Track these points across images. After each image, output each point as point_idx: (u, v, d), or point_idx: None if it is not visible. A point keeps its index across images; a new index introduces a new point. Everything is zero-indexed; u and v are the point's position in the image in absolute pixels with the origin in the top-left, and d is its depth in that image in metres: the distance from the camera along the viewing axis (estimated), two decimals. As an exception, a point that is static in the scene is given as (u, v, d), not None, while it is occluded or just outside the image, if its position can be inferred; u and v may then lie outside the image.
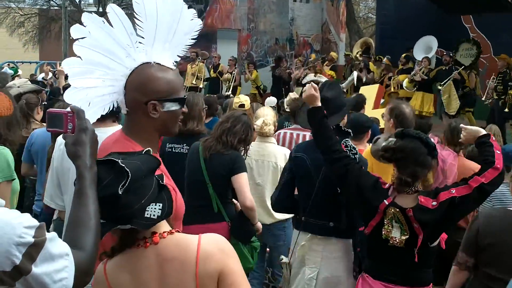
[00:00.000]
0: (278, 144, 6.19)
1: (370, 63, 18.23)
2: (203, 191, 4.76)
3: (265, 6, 22.31)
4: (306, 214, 4.25)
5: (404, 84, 16.11)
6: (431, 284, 3.67)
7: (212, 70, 19.00)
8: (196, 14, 2.60)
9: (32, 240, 1.64)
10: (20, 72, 17.97)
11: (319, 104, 3.91)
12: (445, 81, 15.40)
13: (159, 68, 2.44)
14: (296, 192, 4.47)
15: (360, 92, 11.87)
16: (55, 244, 1.71)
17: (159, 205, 2.04)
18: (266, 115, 5.78)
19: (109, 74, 2.40)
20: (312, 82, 3.98)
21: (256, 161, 5.58)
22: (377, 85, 14.76)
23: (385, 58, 17.88)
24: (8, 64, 22.31)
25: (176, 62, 2.53)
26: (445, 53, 16.95)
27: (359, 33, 28.42)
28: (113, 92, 2.41)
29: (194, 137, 4.99)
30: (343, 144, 4.05)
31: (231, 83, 18.42)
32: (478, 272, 3.77)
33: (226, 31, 21.41)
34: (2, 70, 14.81)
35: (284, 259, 4.44)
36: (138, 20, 2.43)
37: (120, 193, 1.95)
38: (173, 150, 5.20)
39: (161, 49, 2.45)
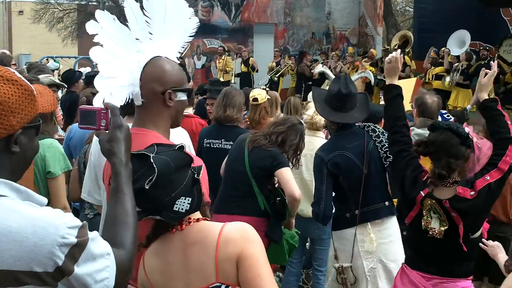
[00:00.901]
0: None
1: (406, 57, 18.00)
2: (241, 182, 4.73)
3: (302, 0, 22.23)
4: (360, 206, 4.31)
5: (445, 84, 15.86)
6: (471, 277, 3.61)
7: (242, 65, 18.94)
8: (194, 13, 2.74)
9: (75, 240, 1.64)
10: (61, 66, 18.21)
11: (396, 80, 3.91)
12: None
13: (168, 61, 2.60)
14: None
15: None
16: (97, 243, 1.71)
17: (188, 200, 2.12)
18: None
19: (125, 66, 2.53)
20: (397, 54, 3.93)
21: (304, 156, 5.53)
22: (414, 79, 14.61)
23: (432, 51, 17.62)
24: (47, 60, 22.61)
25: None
26: (482, 48, 16.70)
27: (396, 27, 28.14)
28: (130, 84, 2.52)
29: (232, 131, 4.98)
30: (366, 125, 4.30)
31: (282, 70, 18.41)
32: None
33: (262, 26, 21.40)
34: (48, 64, 15.02)
35: (345, 264, 4.39)
36: (146, 16, 2.60)
37: (146, 187, 2.03)
38: (212, 146, 5.21)
39: (167, 44, 2.61)
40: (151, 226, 2.20)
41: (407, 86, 11.55)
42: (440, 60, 16.85)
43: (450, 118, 7.07)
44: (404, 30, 23.32)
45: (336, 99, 4.39)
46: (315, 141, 5.53)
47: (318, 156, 4.48)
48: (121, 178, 1.96)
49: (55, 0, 41.54)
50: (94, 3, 41.00)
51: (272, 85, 17.52)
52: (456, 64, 16.05)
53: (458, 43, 17.10)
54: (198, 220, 2.20)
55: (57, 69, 17.02)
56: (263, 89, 6.86)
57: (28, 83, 1.77)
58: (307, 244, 5.86)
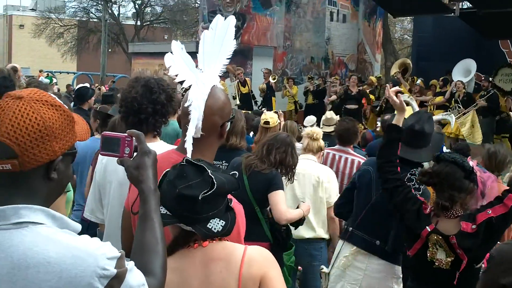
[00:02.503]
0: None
1: (403, 86, 18.10)
2: (244, 208, 4.74)
3: (302, 24, 22.37)
4: (355, 225, 4.31)
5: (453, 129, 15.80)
6: None
7: (241, 86, 18.94)
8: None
9: (115, 272, 1.61)
10: (55, 80, 18.23)
11: (404, 115, 3.94)
12: (466, 110, 15.22)
13: (221, 91, 2.57)
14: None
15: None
16: (134, 275, 1.68)
17: (222, 222, 2.16)
18: (318, 133, 5.80)
19: (193, 99, 2.46)
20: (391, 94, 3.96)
21: (297, 175, 5.60)
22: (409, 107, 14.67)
23: (419, 80, 17.77)
24: (47, 74, 22.67)
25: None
26: (483, 78, 16.82)
27: (394, 54, 28.36)
28: (197, 118, 2.43)
29: (234, 153, 5.01)
30: (414, 172, 4.10)
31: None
32: None
33: (262, 48, 21.49)
34: (39, 80, 15.00)
35: (324, 269, 4.51)
36: (204, 43, 2.52)
37: (200, 198, 2.06)
38: (213, 166, 5.22)
39: (215, 71, 2.55)
40: (171, 239, 2.20)
41: (406, 115, 11.61)
42: (440, 89, 16.93)
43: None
44: (403, 58, 23.50)
45: (407, 134, 4.18)
46: (306, 163, 5.58)
47: (363, 162, 4.66)
48: (151, 205, 1.94)
49: (56, 15, 41.74)
50: (95, 20, 41.23)
51: (265, 106, 17.51)
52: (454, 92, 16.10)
53: (464, 72, 17.21)
54: (220, 239, 2.22)
55: (52, 84, 17.00)
56: (275, 112, 6.90)
57: (68, 109, 1.76)
58: (299, 268, 5.87)
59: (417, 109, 5.02)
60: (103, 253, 1.61)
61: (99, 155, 3.54)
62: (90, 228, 4.20)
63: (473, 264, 3.41)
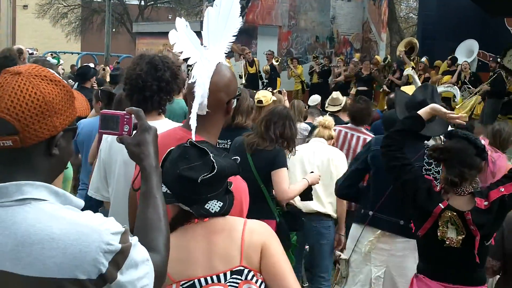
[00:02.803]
0: None
1: (412, 63, 18.02)
2: (250, 186, 4.73)
3: (307, 3, 22.28)
4: (376, 209, 4.27)
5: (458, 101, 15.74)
6: (486, 284, 3.61)
7: (248, 66, 18.97)
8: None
9: (119, 246, 1.61)
10: (62, 62, 18.20)
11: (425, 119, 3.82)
12: (476, 90, 15.16)
13: (227, 68, 2.56)
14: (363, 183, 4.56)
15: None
16: (138, 250, 1.68)
17: (220, 203, 2.20)
18: (326, 120, 5.83)
19: (198, 76, 2.45)
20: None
21: (308, 152, 5.62)
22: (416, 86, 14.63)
23: (424, 58, 17.68)
24: (51, 54, 22.63)
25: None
26: (491, 59, 16.69)
27: (399, 33, 28.23)
28: (201, 95, 2.43)
29: (239, 132, 5.01)
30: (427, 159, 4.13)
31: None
32: (506, 277, 3.80)
33: (266, 28, 21.43)
34: (46, 59, 15.00)
35: (342, 256, 4.45)
36: (208, 20, 2.51)
37: (199, 181, 2.09)
38: (217, 145, 5.23)
39: (221, 48, 2.54)
40: (172, 216, 2.22)
41: (410, 92, 11.59)
42: (448, 68, 16.85)
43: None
44: (409, 37, 23.35)
45: (419, 108, 4.08)
46: (317, 144, 5.65)
47: (368, 142, 4.56)
48: (153, 182, 1.93)
49: (60, -5, 41.56)
50: (99, 0, 41.07)
51: (271, 86, 17.53)
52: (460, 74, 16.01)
53: (466, 52, 17.13)
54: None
55: (58, 65, 16.98)
56: (278, 91, 6.88)
57: (68, 84, 1.73)
58: (306, 247, 5.88)
59: (419, 83, 4.96)
60: (107, 228, 1.61)
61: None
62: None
63: (483, 242, 3.39)
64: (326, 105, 8.16)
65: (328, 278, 5.55)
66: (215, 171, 2.11)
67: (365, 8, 23.57)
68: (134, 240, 1.68)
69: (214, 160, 2.12)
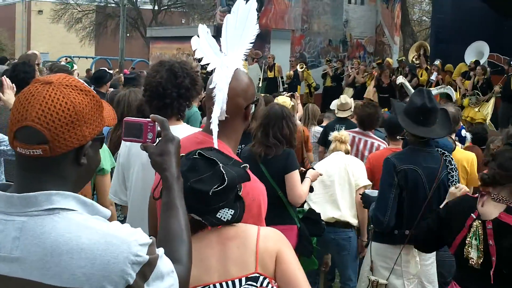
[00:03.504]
0: None
1: (422, 70, 18.00)
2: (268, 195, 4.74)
3: (320, 7, 22.28)
4: (414, 228, 4.13)
5: (465, 103, 15.67)
6: None
7: (268, 70, 19.09)
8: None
9: (147, 258, 1.61)
10: (75, 67, 18.30)
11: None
12: (483, 99, 15.11)
13: (244, 73, 2.59)
14: None
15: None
16: (164, 261, 1.68)
17: (231, 211, 2.21)
18: (342, 135, 5.84)
19: (217, 81, 2.48)
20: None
21: (325, 161, 5.67)
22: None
23: (437, 61, 17.60)
24: (66, 59, 22.76)
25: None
26: (506, 61, 16.56)
27: (413, 36, 28.16)
28: (221, 100, 2.45)
29: (249, 136, 4.98)
30: (443, 153, 4.25)
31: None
32: None
33: (279, 31, 21.46)
34: (62, 64, 15.09)
35: (381, 281, 4.33)
36: (226, 27, 2.55)
37: (210, 193, 2.10)
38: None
39: (239, 54, 2.57)
40: None
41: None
42: (470, 71, 16.74)
43: (466, 136, 7.13)
44: (420, 41, 23.28)
45: (420, 113, 4.22)
46: (335, 154, 5.69)
47: (390, 162, 4.31)
48: (174, 193, 1.94)
49: (74, 0, 41.84)
50: (113, 5, 41.29)
51: (291, 91, 17.60)
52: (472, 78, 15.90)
53: (476, 54, 17.03)
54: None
55: (72, 70, 17.08)
56: (291, 94, 6.89)
57: (97, 94, 1.74)
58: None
59: (412, 90, 5.02)
60: (135, 239, 1.61)
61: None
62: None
63: (501, 268, 3.23)
64: (336, 110, 8.14)
65: (354, 282, 5.51)
66: (225, 183, 2.12)
67: (378, 11, 23.54)
68: (160, 251, 1.69)
69: (224, 172, 2.13)
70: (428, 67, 17.88)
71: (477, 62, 16.61)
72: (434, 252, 4.32)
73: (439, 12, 21.75)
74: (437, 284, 4.42)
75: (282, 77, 18.98)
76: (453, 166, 4.30)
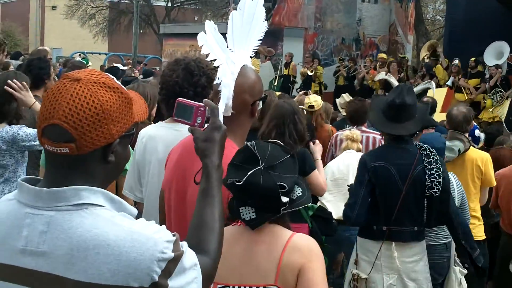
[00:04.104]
0: (334, 146, 6.52)
1: (439, 65, 17.87)
2: None
3: (333, 5, 22.24)
4: (391, 223, 4.23)
5: (487, 105, 15.56)
6: None
7: (284, 68, 19.10)
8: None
9: (172, 255, 1.61)
10: (90, 63, 18.37)
11: None
12: (507, 94, 15.02)
13: (251, 70, 2.58)
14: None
15: (428, 94, 11.80)
16: (188, 256, 1.68)
17: (253, 214, 2.22)
18: (354, 133, 5.88)
19: (223, 77, 2.48)
20: None
21: (339, 159, 5.70)
22: (445, 88, 14.56)
23: (457, 60, 17.48)
24: (80, 55, 22.84)
25: None
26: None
27: (426, 35, 28.03)
28: (227, 96, 2.44)
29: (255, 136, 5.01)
30: (423, 147, 4.21)
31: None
32: None
33: (292, 29, 21.43)
34: (76, 59, 15.15)
35: (362, 275, 4.37)
36: (232, 24, 2.54)
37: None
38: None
39: (247, 51, 2.57)
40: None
41: (438, 96, 11.59)
42: (469, 70, 16.67)
43: (479, 136, 7.11)
44: (431, 40, 23.15)
45: (391, 109, 4.27)
46: (348, 153, 5.75)
47: (362, 160, 4.43)
48: (213, 181, 1.93)
49: (88, -4, 41.94)
50: (126, 1, 41.39)
51: (305, 89, 17.62)
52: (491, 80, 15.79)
53: (496, 54, 16.89)
54: (270, 222, 2.27)
55: (87, 66, 17.15)
56: (304, 93, 6.90)
57: (127, 90, 1.72)
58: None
59: (396, 83, 5.06)
60: (161, 236, 1.61)
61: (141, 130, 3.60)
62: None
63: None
64: (340, 109, 8.15)
65: None
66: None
67: (392, 10, 23.47)
68: (184, 247, 1.68)
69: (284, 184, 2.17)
70: (447, 64, 17.70)
71: (476, 60, 16.51)
72: (420, 250, 4.30)
73: (453, 11, 21.65)
74: (427, 283, 4.33)
75: (295, 76, 18.95)
76: (431, 159, 4.20)
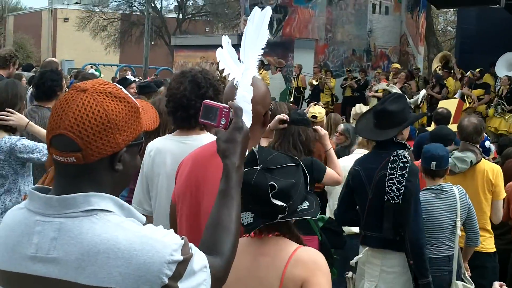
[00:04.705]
0: None
1: (450, 78, 17.85)
2: None
3: (344, 17, 22.24)
4: (363, 227, 4.35)
5: (490, 114, 15.60)
6: None
7: (293, 80, 19.12)
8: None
9: (181, 258, 1.62)
10: (103, 75, 18.48)
11: None
12: (509, 109, 15.01)
13: (261, 81, 2.63)
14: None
15: (439, 106, 11.77)
16: (197, 258, 1.69)
17: (251, 218, 2.22)
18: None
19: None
20: None
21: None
22: (457, 100, 14.51)
23: (469, 72, 17.46)
24: (92, 66, 22.97)
25: None
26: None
27: (437, 47, 28.01)
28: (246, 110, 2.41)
29: None
30: (396, 154, 4.14)
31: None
32: None
33: (303, 41, 21.44)
34: (89, 71, 15.25)
35: (349, 274, 4.49)
36: (245, 37, 2.53)
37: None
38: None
39: (254, 61, 2.54)
40: None
41: (449, 107, 11.55)
42: (475, 80, 16.62)
43: (490, 147, 7.07)
44: (444, 51, 23.14)
45: (373, 116, 4.40)
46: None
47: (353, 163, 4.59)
48: (232, 182, 1.93)
49: (99, 9, 42.28)
50: (138, 13, 41.63)
51: (313, 100, 17.63)
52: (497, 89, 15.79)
53: (507, 66, 16.86)
54: (277, 234, 2.25)
55: (99, 77, 17.27)
56: (315, 104, 6.90)
57: (134, 100, 1.74)
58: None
59: (399, 91, 5.06)
60: (170, 239, 1.63)
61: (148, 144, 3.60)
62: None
63: None
64: (351, 120, 8.13)
65: None
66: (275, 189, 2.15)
67: (402, 21, 23.43)
68: (193, 249, 1.69)
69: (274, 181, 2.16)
70: (460, 75, 17.67)
71: (481, 72, 16.48)
72: (399, 262, 4.24)
73: (464, 23, 21.66)
74: None
75: (304, 88, 18.96)
76: (395, 165, 4.13)
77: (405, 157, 4.15)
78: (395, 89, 15.00)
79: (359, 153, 5.65)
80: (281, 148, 4.74)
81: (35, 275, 1.62)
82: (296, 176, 2.25)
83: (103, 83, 1.70)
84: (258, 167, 2.21)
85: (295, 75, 18.88)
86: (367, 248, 4.33)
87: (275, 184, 2.15)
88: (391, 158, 4.18)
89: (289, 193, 2.19)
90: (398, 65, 19.82)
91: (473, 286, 4.56)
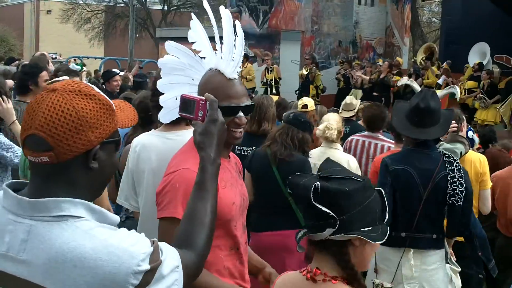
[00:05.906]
0: (348, 150, 6.27)
1: (434, 68, 17.88)
2: (277, 199, 4.75)
3: (330, 8, 22.24)
4: (409, 230, 4.17)
5: (476, 106, 15.69)
6: None
7: (266, 73, 18.89)
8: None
9: (149, 267, 1.62)
10: (85, 69, 18.28)
11: None
12: (491, 101, 15.13)
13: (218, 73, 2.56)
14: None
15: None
16: (167, 264, 1.68)
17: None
18: (329, 119, 5.79)
19: (197, 74, 2.55)
20: None
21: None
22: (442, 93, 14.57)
23: (445, 63, 17.55)
24: (75, 60, 22.77)
25: None
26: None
27: (422, 38, 28.11)
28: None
29: (264, 139, 5.00)
30: (446, 154, 4.15)
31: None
32: None
33: (289, 33, 21.41)
34: (70, 66, 15.09)
35: (386, 284, 4.33)
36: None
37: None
38: (242, 153, 5.23)
39: (228, 60, 2.57)
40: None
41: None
42: (472, 73, 16.69)
43: (473, 138, 7.06)
44: (428, 43, 23.22)
45: (414, 114, 4.18)
46: (331, 153, 5.54)
47: (384, 163, 4.34)
48: (207, 174, 1.94)
49: (83, 0, 41.94)
50: (122, 5, 41.36)
51: (302, 92, 17.60)
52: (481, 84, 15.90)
53: (479, 55, 17.01)
54: (336, 279, 2.06)
55: (81, 71, 17.11)
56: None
57: (107, 97, 1.74)
58: None
59: (419, 89, 4.98)
60: (137, 249, 1.62)
61: (126, 139, 3.54)
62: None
63: None
64: (340, 110, 8.11)
65: None
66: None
67: (388, 13, 23.50)
68: (164, 253, 1.69)
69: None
70: (436, 70, 17.78)
71: (480, 64, 16.58)
72: (439, 257, 4.24)
73: (449, 14, 21.72)
74: None
75: (279, 78, 18.70)
76: (454, 167, 4.14)
77: (455, 157, 4.19)
78: (415, 85, 14.95)
79: (332, 148, 5.64)
80: (280, 138, 4.76)
81: (5, 272, 1.63)
82: (358, 193, 2.01)
83: (73, 82, 1.71)
84: (316, 174, 2.08)
85: (270, 67, 18.62)
86: (411, 251, 4.18)
87: (319, 184, 1.97)
88: (448, 159, 4.14)
89: (338, 201, 1.97)
90: (401, 60, 19.84)
91: (460, 269, 4.54)
